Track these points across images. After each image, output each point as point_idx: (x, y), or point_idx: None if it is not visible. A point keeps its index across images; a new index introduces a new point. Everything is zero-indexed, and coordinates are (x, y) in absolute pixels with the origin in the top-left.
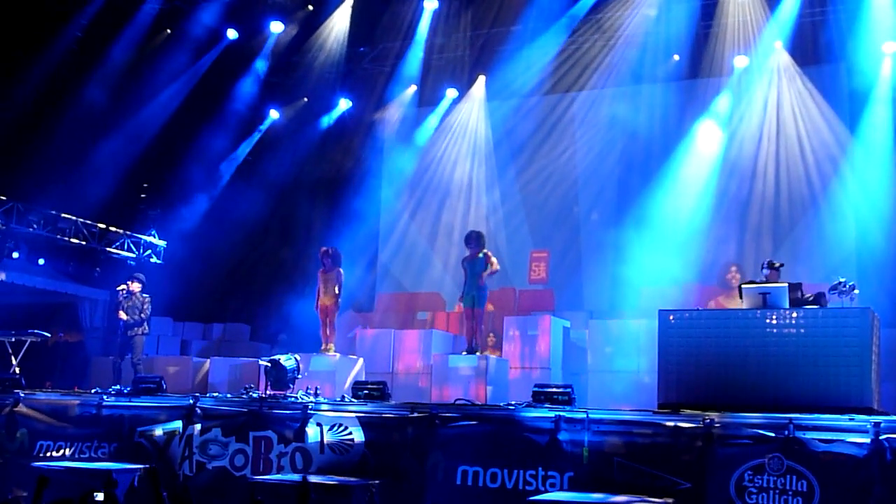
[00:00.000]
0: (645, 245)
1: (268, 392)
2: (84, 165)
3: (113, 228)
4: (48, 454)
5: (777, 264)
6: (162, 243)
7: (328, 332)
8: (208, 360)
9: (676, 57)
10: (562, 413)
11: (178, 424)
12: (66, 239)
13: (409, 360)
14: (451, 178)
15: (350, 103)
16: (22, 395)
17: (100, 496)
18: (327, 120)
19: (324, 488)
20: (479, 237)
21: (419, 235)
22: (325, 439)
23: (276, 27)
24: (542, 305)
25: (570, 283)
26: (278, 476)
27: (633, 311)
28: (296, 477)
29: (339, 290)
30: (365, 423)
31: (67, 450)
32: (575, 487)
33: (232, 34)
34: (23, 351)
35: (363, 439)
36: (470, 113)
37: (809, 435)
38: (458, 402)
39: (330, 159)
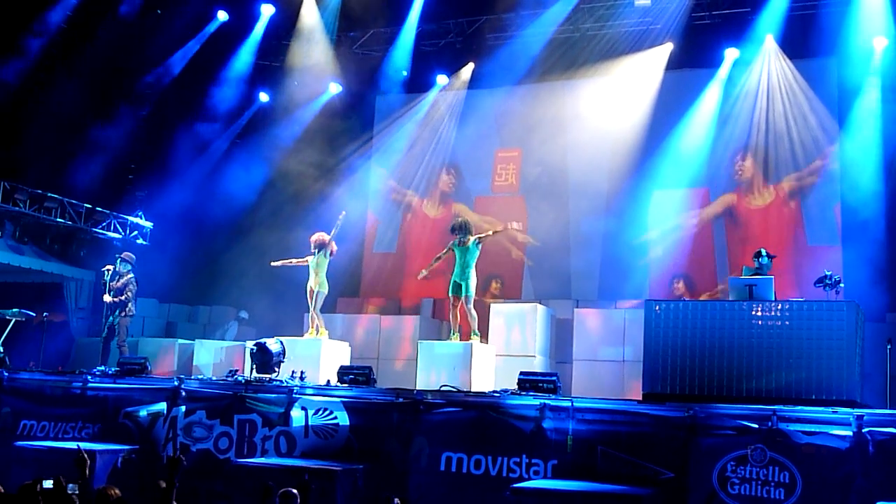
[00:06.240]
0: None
1: (253, 375)
2: (71, 145)
3: (99, 209)
4: (32, 434)
5: (770, 255)
6: (148, 224)
7: (314, 316)
8: (194, 343)
9: (671, 45)
10: (547, 401)
11: (162, 406)
12: (53, 218)
13: (396, 346)
14: (440, 162)
15: (340, 87)
16: (6, 374)
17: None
18: (317, 104)
19: (308, 472)
20: (466, 225)
21: (408, 228)
22: (310, 423)
23: (267, 10)
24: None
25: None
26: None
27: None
28: (285, 461)
29: (324, 277)
30: (350, 407)
31: (51, 430)
32: (559, 475)
33: (223, 16)
34: (7, 330)
35: (348, 424)
36: (460, 99)
37: (793, 427)
38: (443, 388)
39: (319, 143)
